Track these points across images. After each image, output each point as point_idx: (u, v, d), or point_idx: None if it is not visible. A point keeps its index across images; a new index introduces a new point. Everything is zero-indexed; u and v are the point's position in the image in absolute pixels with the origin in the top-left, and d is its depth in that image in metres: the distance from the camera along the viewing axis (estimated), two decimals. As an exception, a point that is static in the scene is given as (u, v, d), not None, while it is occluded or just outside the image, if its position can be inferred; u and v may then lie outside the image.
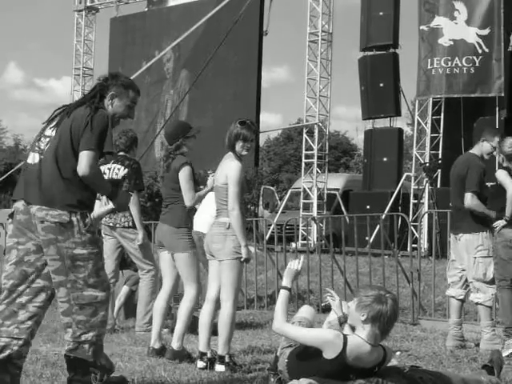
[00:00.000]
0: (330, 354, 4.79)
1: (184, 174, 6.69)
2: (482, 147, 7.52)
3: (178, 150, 6.79)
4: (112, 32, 24.18)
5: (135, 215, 8.09)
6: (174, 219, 6.77)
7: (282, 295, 5.14)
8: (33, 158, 4.75)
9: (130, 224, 8.18)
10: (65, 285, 4.58)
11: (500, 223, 7.28)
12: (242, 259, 6.12)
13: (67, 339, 4.65)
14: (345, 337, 4.84)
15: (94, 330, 4.65)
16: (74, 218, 4.59)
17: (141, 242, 8.11)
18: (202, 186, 6.96)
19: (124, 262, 8.94)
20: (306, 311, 5.76)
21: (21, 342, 4.60)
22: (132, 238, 8.18)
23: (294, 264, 5.25)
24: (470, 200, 7.35)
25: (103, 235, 8.45)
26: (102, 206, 8.35)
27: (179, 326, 6.65)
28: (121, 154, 8.29)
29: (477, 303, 7.45)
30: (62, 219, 4.56)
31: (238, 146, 6.28)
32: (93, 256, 4.64)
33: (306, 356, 5.00)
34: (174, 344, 6.59)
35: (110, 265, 8.42)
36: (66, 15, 58.41)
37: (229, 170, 6.19)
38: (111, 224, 8.27)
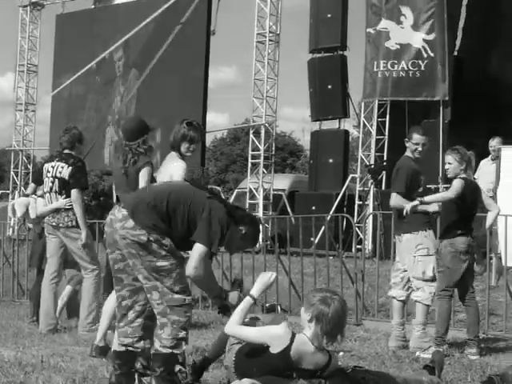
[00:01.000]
0: (276, 348, 4.87)
1: (143, 174, 6.64)
2: (408, 147, 7.66)
3: (142, 146, 6.70)
4: (58, 29, 23.90)
5: (78, 214, 7.97)
6: None
7: (246, 302, 5.06)
8: None
9: (74, 223, 8.06)
10: (156, 289, 4.82)
11: (414, 203, 7.29)
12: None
13: (165, 337, 4.83)
14: (293, 334, 4.91)
15: (186, 329, 4.89)
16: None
17: (84, 241, 8.00)
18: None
19: (67, 261, 8.83)
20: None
21: (135, 339, 5.01)
22: (75, 237, 8.08)
23: (268, 277, 5.15)
24: (393, 199, 7.49)
25: (46, 234, 8.35)
26: (45, 204, 8.28)
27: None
28: (65, 151, 8.19)
29: (416, 301, 7.54)
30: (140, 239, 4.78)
31: (184, 147, 6.26)
32: (174, 266, 4.80)
33: (252, 353, 5.05)
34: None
35: (53, 264, 8.34)
36: (11, 11, 57.53)
37: (173, 170, 6.16)
38: (54, 223, 8.16)
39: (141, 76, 21.14)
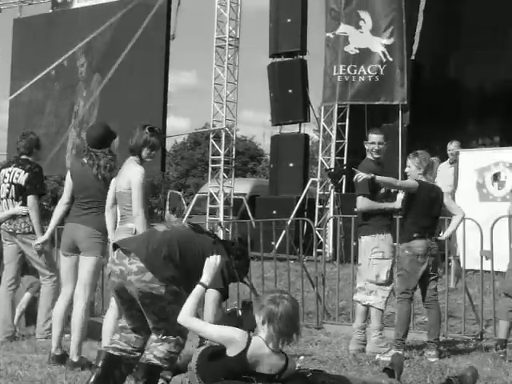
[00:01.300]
0: (232, 351, 4.85)
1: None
2: (367, 149, 7.69)
3: (109, 155, 6.74)
4: (15, 33, 23.61)
5: (34, 221, 7.86)
6: (94, 222, 6.68)
7: (197, 289, 5.00)
8: None
9: (31, 230, 7.95)
10: (162, 324, 5.02)
11: (363, 175, 7.31)
12: None
13: (161, 350, 4.99)
14: (249, 337, 4.89)
15: (183, 346, 5.13)
16: None
17: (39, 246, 7.81)
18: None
19: (26, 268, 8.73)
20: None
21: (136, 349, 5.18)
22: (33, 243, 7.98)
23: (214, 260, 5.08)
24: (359, 203, 7.50)
25: (3, 241, 8.25)
26: (1, 210, 8.18)
27: (75, 336, 6.57)
28: (22, 157, 8.10)
29: (368, 305, 7.56)
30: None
31: (145, 152, 6.25)
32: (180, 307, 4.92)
33: (213, 355, 5.03)
34: (73, 357, 6.52)
35: (10, 271, 8.23)
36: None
37: (132, 175, 6.14)
38: (11, 230, 8.05)
39: (103, 80, 20.98)
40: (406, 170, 7.65)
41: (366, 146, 7.72)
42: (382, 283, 7.47)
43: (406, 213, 7.55)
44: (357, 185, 7.55)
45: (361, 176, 7.27)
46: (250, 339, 4.89)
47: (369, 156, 7.73)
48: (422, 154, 7.65)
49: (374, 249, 7.47)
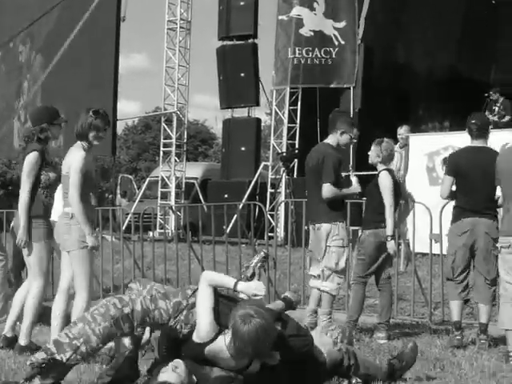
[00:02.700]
0: (195, 337, 4.85)
1: (28, 160, 6.52)
2: (339, 138, 7.64)
3: (40, 134, 6.61)
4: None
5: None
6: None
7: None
8: None
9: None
10: None
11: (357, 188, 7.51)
12: (89, 247, 6.07)
13: None
14: (217, 334, 4.84)
15: None
16: None
17: None
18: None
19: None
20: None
21: None
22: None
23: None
24: (326, 191, 7.49)
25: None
26: None
27: (26, 321, 6.52)
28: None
29: (323, 290, 7.60)
30: None
31: (91, 135, 6.22)
32: None
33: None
34: (22, 340, 6.47)
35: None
36: None
37: (72, 160, 6.13)
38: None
39: (49, 63, 20.63)
40: (369, 152, 7.78)
41: (347, 138, 7.67)
42: (339, 271, 7.54)
43: (371, 201, 7.66)
44: (324, 172, 7.51)
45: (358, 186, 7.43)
46: (216, 336, 4.83)
47: (332, 143, 7.68)
48: (385, 143, 7.77)
49: (334, 236, 7.49)
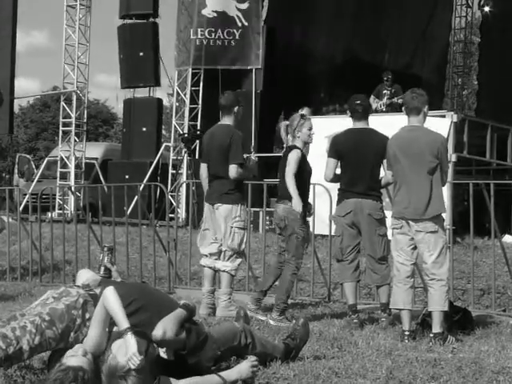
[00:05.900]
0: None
1: None
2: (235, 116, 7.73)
3: None
4: None
5: None
6: None
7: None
8: None
9: None
10: None
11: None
12: None
13: None
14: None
15: None
16: None
17: None
18: None
19: None
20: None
21: None
22: None
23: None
24: (235, 172, 7.51)
25: None
26: None
27: None
28: None
29: (224, 270, 7.63)
30: None
31: (-15, 114, 6.05)
32: None
33: None
34: None
35: None
36: None
37: None
38: None
39: None
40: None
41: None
42: (241, 252, 7.58)
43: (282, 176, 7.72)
44: (232, 153, 7.51)
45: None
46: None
47: (233, 124, 7.75)
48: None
49: (236, 217, 7.54)
